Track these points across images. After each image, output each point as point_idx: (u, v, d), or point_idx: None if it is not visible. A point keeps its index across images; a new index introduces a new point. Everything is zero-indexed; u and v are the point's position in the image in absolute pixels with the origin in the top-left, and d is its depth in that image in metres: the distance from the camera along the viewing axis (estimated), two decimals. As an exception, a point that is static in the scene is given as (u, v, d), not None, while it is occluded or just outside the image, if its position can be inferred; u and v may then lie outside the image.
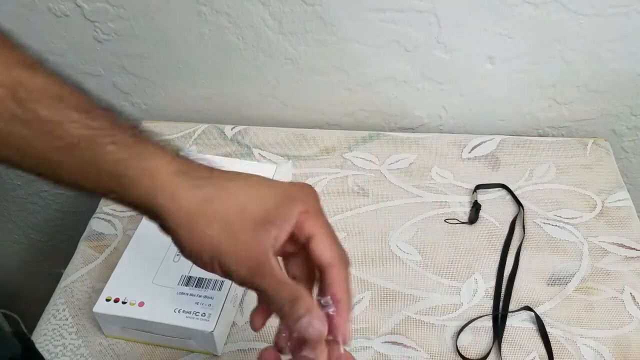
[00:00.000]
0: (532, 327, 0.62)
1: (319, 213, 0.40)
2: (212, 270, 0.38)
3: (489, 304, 0.64)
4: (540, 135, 0.87)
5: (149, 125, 0.85)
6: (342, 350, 0.39)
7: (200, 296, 0.59)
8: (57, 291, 0.68)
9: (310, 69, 0.82)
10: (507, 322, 0.62)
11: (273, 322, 0.40)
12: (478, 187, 0.76)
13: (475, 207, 0.73)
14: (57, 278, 0.70)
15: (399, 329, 0.62)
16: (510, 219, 0.73)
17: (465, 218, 0.73)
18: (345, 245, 0.41)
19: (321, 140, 0.84)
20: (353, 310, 0.64)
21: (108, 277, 0.61)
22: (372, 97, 0.85)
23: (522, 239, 0.70)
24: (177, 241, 0.37)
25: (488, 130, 0.87)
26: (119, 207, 0.76)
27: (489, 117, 0.86)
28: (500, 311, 0.63)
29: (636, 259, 0.68)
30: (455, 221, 0.73)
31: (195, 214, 0.36)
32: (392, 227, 0.72)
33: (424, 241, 0.71)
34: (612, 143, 0.84)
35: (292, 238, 0.39)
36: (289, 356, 0.40)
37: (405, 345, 0.61)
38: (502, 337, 0.61)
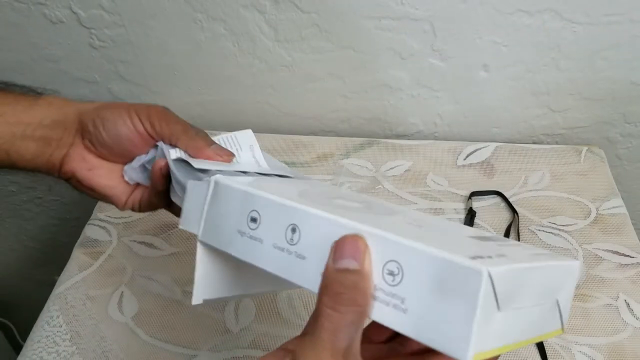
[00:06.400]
0: (527, 334, 0.62)
1: None
2: None
3: (484, 311, 0.64)
4: (534, 143, 0.87)
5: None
6: None
7: None
8: (51, 298, 0.67)
9: (306, 75, 0.82)
10: (502, 329, 0.62)
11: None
12: (473, 194, 0.76)
13: (470, 214, 0.73)
14: (51, 285, 0.69)
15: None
16: (505, 226, 0.73)
17: (460, 225, 0.73)
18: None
19: (317, 147, 0.84)
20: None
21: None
22: (368, 104, 0.85)
23: (517, 246, 0.70)
24: None
25: (483, 137, 0.87)
26: (114, 214, 0.77)
27: (484, 124, 0.86)
28: (495, 318, 0.63)
29: (631, 266, 0.68)
30: (451, 228, 0.73)
31: None
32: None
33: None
34: (606, 150, 0.84)
35: None
36: None
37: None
38: (497, 344, 0.61)
